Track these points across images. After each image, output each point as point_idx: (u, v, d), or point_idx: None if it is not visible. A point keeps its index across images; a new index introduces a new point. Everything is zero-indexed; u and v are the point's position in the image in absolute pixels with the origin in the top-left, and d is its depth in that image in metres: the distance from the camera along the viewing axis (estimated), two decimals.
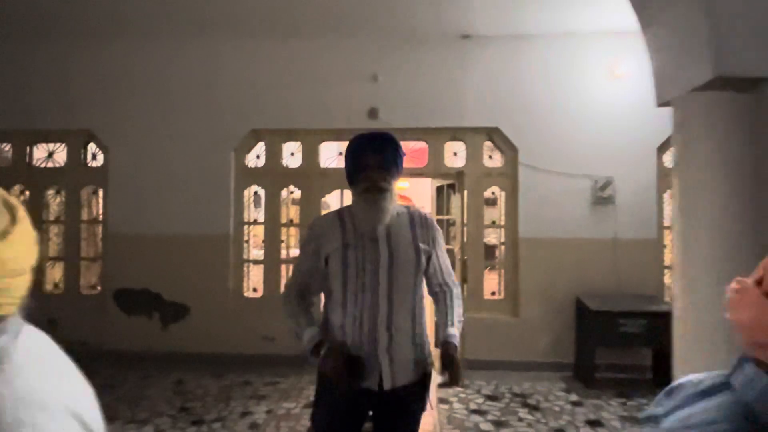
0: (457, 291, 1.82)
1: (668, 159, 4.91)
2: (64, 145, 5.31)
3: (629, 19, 3.94)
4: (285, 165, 5.19)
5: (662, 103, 1.36)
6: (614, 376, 4.39)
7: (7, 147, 5.37)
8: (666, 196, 4.92)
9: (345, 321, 1.67)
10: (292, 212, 5.65)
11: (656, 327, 4.16)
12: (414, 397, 1.71)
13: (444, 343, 1.69)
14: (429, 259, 1.75)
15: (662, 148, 4.78)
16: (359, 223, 1.69)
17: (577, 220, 4.78)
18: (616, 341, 4.25)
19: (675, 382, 0.65)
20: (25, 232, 0.65)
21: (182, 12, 4.40)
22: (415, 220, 1.76)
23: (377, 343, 1.64)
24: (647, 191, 4.77)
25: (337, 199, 5.16)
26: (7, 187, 5.20)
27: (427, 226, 1.77)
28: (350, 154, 1.73)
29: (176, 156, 4.99)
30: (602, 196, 4.77)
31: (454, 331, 1.72)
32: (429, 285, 1.81)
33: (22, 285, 0.65)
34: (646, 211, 4.77)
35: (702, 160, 1.20)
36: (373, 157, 1.66)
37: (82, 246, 5.35)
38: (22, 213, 0.66)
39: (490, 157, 5.13)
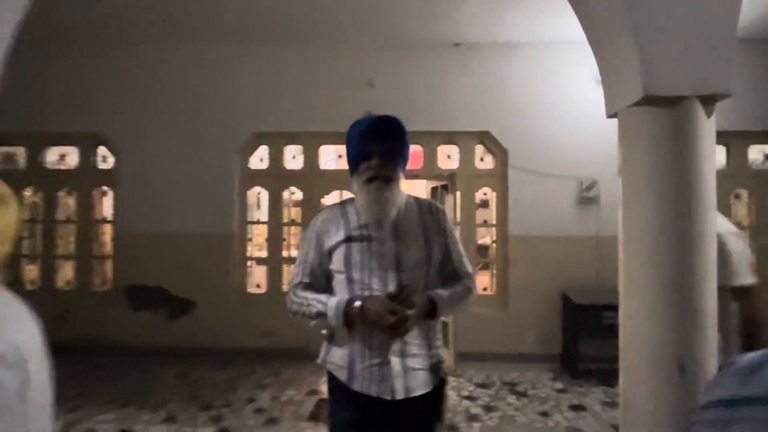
0: (468, 281, 1.63)
1: None
2: (75, 148, 5.55)
3: None
4: (287, 167, 5.44)
5: (610, 116, 1.62)
6: (598, 366, 4.64)
7: (20, 150, 5.60)
8: None
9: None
10: (293, 213, 5.90)
11: None
12: (429, 408, 1.56)
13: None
14: (441, 250, 1.60)
15: None
16: (363, 216, 1.54)
17: (563, 219, 5.04)
18: (600, 333, 4.50)
19: (745, 361, 0.62)
20: (8, 214, 0.89)
21: (189, 21, 4.66)
22: (423, 209, 1.61)
23: (388, 349, 1.49)
24: None
25: (336, 200, 5.41)
26: (21, 189, 5.44)
27: (437, 215, 1.62)
28: (352, 140, 1.56)
29: (183, 158, 5.23)
30: (587, 197, 5.04)
31: (445, 296, 1.55)
32: (441, 275, 1.64)
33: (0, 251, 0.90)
34: None
35: (637, 168, 1.46)
36: (378, 144, 1.50)
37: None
38: (10, 200, 0.89)
39: (482, 159, 5.38)
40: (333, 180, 5.36)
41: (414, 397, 1.50)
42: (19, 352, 0.86)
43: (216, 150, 5.26)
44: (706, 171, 1.34)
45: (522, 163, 5.09)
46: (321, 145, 5.42)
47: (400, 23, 4.72)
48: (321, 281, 1.60)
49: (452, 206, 4.71)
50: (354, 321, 1.47)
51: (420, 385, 1.52)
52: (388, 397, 1.48)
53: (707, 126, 1.35)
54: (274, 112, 5.24)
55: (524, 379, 4.50)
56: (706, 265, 1.35)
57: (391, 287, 1.48)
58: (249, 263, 5.50)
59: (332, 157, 5.58)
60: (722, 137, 5.06)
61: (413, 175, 5.49)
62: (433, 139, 5.28)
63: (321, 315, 1.51)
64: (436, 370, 1.56)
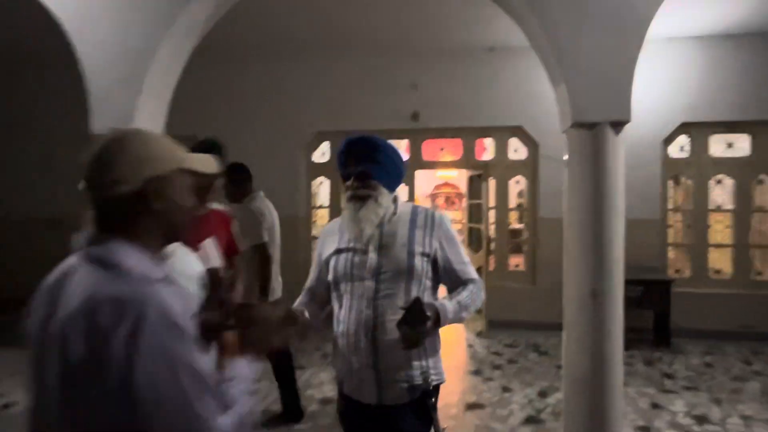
0: (473, 286, 1.64)
1: (672, 150, 5.62)
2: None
3: None
4: None
5: (562, 132, 2.33)
6: None
7: None
8: (670, 182, 5.65)
9: (338, 330, 1.62)
10: None
11: (654, 292, 4.98)
12: (411, 418, 1.56)
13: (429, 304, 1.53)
14: (436, 261, 1.62)
15: (667, 141, 5.50)
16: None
17: None
18: None
19: None
20: None
21: (266, 43, 5.64)
22: (417, 221, 1.63)
23: (362, 355, 1.55)
24: (653, 178, 5.51)
25: None
26: None
27: (432, 226, 1.63)
28: (337, 161, 1.70)
29: (260, 153, 6.24)
30: None
31: (449, 305, 1.57)
32: (446, 287, 1.69)
33: None
34: (651, 195, 5.52)
35: (574, 167, 2.19)
36: (352, 166, 1.61)
37: None
38: None
39: (516, 150, 6.02)
40: None
41: (395, 406, 1.55)
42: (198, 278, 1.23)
43: (286, 146, 6.27)
44: (614, 170, 2.05)
45: (551, 154, 5.69)
46: None
47: (441, 32, 5.41)
48: (321, 288, 1.73)
49: (486, 192, 5.43)
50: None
51: (396, 397, 1.55)
52: (365, 402, 1.58)
53: (616, 140, 2.06)
54: (334, 114, 6.16)
55: (548, 343, 5.19)
56: (614, 233, 2.07)
57: (368, 294, 1.56)
58: (314, 241, 6.52)
59: None
60: (746, 126, 5.43)
61: (454, 165, 6.24)
62: (470, 133, 6.00)
63: None
64: (418, 382, 1.55)
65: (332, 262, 1.64)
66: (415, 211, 1.67)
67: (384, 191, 1.61)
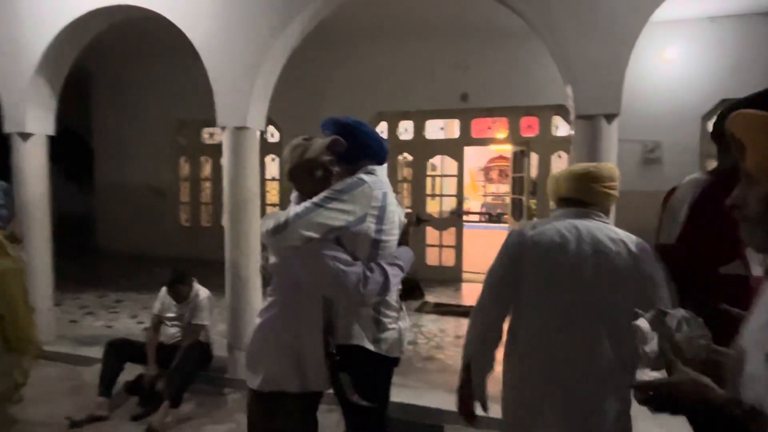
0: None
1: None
2: None
3: (678, 10, 5.06)
4: (400, 138, 7.10)
5: (572, 120, 2.94)
6: None
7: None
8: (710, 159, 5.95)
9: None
10: (405, 172, 7.59)
11: None
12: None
13: None
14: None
15: (706, 117, 5.78)
16: None
17: (628, 177, 6.02)
18: None
19: None
20: None
21: (329, 29, 6.39)
22: None
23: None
24: (692, 154, 5.84)
25: (438, 162, 6.96)
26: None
27: None
28: (381, 145, 1.70)
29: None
30: (650, 158, 5.95)
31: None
32: None
33: None
34: (690, 171, 5.86)
35: (579, 153, 2.81)
36: None
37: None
38: None
39: (557, 127, 6.48)
40: (436, 147, 6.90)
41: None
42: None
43: None
44: (607, 151, 2.67)
45: None
46: (427, 119, 6.95)
47: (491, 14, 5.65)
48: None
49: (527, 166, 6.00)
50: None
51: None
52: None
53: (609, 129, 2.66)
54: (391, 96, 6.86)
55: None
56: None
57: None
58: None
59: (436, 129, 7.08)
60: None
61: (499, 141, 6.80)
62: (516, 112, 6.51)
63: None
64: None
65: None
66: None
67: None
